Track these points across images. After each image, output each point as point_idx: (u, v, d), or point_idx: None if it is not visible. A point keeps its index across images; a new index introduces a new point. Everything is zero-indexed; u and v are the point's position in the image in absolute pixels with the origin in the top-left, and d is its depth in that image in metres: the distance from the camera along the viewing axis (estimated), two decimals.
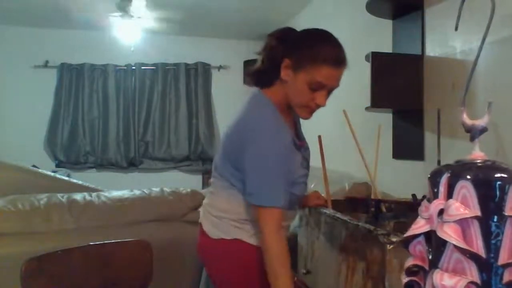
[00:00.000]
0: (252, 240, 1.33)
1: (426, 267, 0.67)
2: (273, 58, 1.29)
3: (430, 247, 0.67)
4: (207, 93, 5.52)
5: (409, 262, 0.69)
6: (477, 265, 0.60)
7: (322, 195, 1.65)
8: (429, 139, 2.19)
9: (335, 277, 1.38)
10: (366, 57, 2.28)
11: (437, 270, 0.63)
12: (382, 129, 1.81)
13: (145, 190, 2.23)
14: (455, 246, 0.60)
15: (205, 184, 5.18)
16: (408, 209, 1.62)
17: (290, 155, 1.29)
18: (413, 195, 1.69)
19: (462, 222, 0.61)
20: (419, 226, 0.67)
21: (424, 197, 1.57)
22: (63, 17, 4.47)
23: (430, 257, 0.66)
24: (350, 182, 2.43)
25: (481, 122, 0.68)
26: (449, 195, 0.63)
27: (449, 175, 0.64)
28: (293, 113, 1.37)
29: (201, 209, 1.48)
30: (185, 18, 4.65)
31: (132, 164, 5.35)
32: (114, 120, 5.27)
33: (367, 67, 2.22)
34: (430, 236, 0.66)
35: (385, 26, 2.56)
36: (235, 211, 1.32)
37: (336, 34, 1.30)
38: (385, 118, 2.50)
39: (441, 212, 0.63)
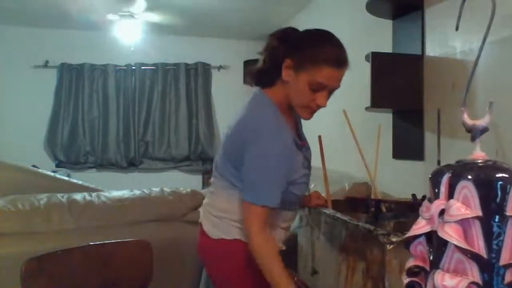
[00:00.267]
0: None
1: (427, 268, 0.67)
2: (274, 58, 1.29)
3: (431, 248, 0.66)
4: (207, 93, 5.52)
5: (410, 263, 0.69)
6: (478, 266, 0.60)
7: (322, 195, 1.65)
8: (429, 139, 2.19)
9: (335, 277, 1.38)
10: (366, 57, 2.28)
11: (438, 270, 0.63)
12: (382, 129, 1.81)
13: (145, 190, 2.23)
14: (456, 246, 0.60)
15: (205, 184, 5.18)
16: (408, 209, 1.62)
17: (291, 155, 1.28)
18: (413, 195, 1.69)
19: (463, 223, 0.61)
20: (420, 227, 0.67)
21: (424, 197, 1.57)
22: (63, 17, 4.46)
23: (431, 257, 0.66)
24: (350, 182, 2.43)
25: (482, 122, 0.68)
26: (450, 195, 0.63)
27: (450, 175, 0.64)
28: (294, 113, 1.37)
29: (201, 209, 1.47)
30: (185, 18, 4.65)
31: (132, 164, 5.34)
32: (114, 120, 5.27)
33: (367, 67, 2.22)
34: (431, 237, 0.66)
35: (385, 26, 2.56)
36: (235, 211, 1.32)
37: (336, 34, 1.30)
38: (385, 118, 2.50)
39: (442, 212, 0.63)
